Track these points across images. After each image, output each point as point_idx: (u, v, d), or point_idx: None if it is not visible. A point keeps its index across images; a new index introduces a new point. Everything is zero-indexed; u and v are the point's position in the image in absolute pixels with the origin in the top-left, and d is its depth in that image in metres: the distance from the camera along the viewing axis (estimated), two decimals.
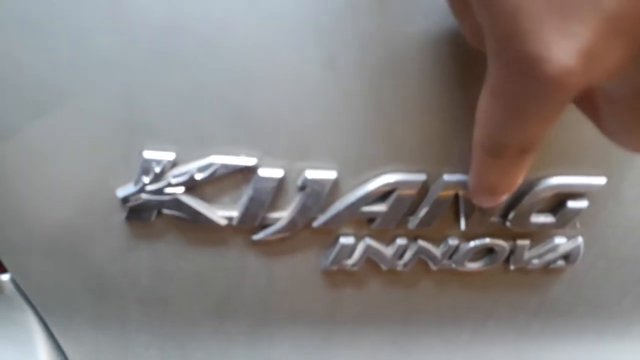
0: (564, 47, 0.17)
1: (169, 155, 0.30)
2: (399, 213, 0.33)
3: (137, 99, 0.29)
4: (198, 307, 0.38)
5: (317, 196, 0.32)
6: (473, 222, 0.35)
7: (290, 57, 0.28)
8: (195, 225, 0.33)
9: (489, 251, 0.38)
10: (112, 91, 0.29)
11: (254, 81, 0.29)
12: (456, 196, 0.33)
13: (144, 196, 0.31)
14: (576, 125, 0.32)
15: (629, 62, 0.18)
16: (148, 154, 0.30)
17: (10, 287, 0.36)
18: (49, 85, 0.28)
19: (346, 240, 0.35)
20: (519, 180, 0.26)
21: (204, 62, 0.28)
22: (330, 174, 0.31)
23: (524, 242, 0.37)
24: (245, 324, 0.40)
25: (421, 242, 0.36)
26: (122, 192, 0.31)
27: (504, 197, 0.28)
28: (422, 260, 0.37)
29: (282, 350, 0.41)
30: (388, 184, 0.32)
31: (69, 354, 0.39)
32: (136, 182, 0.30)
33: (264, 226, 0.34)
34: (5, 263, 0.35)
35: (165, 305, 0.38)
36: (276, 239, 0.34)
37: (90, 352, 0.39)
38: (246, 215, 0.32)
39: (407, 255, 0.36)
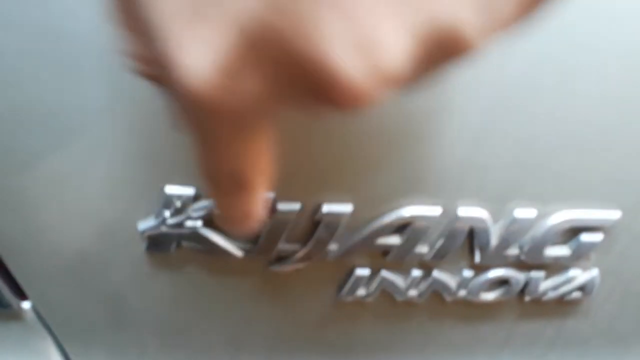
0: (194, 52, 0.15)
1: (190, 190, 0.30)
2: (413, 245, 0.34)
3: (160, 134, 0.30)
4: (215, 337, 0.38)
5: (333, 229, 0.32)
6: (488, 255, 0.35)
7: None
8: (213, 257, 0.33)
9: (503, 282, 0.38)
10: (135, 125, 0.30)
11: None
12: (471, 229, 0.34)
13: (164, 229, 0.31)
14: (590, 157, 0.33)
15: (270, 93, 0.15)
16: (170, 189, 0.30)
17: (31, 315, 0.37)
18: (73, 118, 0.29)
19: (362, 271, 0.35)
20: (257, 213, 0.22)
21: None
22: (346, 207, 0.32)
23: (539, 274, 0.37)
24: (261, 354, 0.40)
25: (436, 274, 0.36)
26: (143, 225, 0.31)
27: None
28: (436, 291, 0.37)
29: None
30: (403, 217, 0.33)
31: None
32: (157, 216, 0.31)
33: (280, 258, 0.34)
34: (27, 290, 0.35)
35: (182, 335, 0.38)
36: (292, 270, 0.34)
37: None
38: (263, 247, 0.33)
39: (422, 287, 0.37)
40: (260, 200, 0.22)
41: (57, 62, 0.28)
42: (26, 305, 0.36)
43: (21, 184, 0.31)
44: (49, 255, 0.34)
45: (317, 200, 0.32)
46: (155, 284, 0.35)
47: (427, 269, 0.36)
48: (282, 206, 0.31)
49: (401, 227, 0.33)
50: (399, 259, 0.34)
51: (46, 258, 0.34)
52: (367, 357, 0.42)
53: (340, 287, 0.36)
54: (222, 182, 0.20)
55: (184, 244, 0.32)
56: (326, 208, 0.32)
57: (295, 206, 0.32)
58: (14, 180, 0.31)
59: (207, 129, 0.18)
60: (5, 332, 0.38)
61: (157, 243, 0.32)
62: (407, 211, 0.32)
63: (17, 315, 0.37)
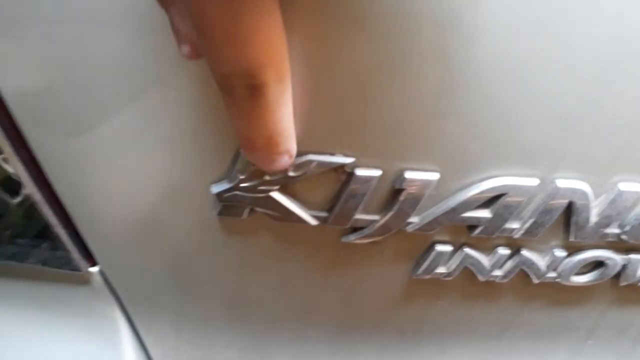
0: None
1: None
2: (503, 221, 0.31)
3: None
4: (281, 309, 0.37)
5: (416, 199, 0.30)
6: (584, 233, 0.32)
7: (393, 49, 0.27)
8: (285, 225, 0.32)
9: (598, 265, 0.34)
10: (210, 84, 0.28)
11: (350, 75, 0.27)
12: (569, 203, 0.30)
13: (238, 193, 0.30)
14: None
15: None
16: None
17: (98, 280, 0.36)
18: (144, 76, 0.28)
19: (442, 247, 0.33)
20: (274, 129, 0.24)
21: None
22: (432, 176, 0.29)
23: (638, 257, 0.34)
24: (328, 330, 0.38)
25: (525, 253, 0.33)
26: (216, 188, 0.30)
27: (278, 156, 0.25)
28: (523, 272, 0.34)
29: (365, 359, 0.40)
30: (494, 189, 0.30)
31: (150, 349, 0.39)
32: (231, 179, 0.30)
33: (355, 228, 0.32)
34: (96, 255, 0.35)
35: (248, 306, 0.37)
36: (367, 242, 0.32)
37: (172, 349, 0.39)
38: (338, 216, 0.31)
39: (508, 266, 0.33)
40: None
41: (124, 19, 0.26)
42: (94, 269, 0.36)
43: (92, 148, 0.30)
44: (119, 219, 0.33)
45: (399, 167, 0.29)
46: (224, 251, 0.34)
47: (515, 247, 0.33)
48: (361, 172, 0.29)
49: (491, 200, 0.30)
50: (486, 235, 0.31)
51: (116, 223, 0.33)
52: (437, 340, 0.39)
53: (417, 264, 0.34)
54: (235, 79, 0.22)
55: (258, 209, 0.31)
56: (409, 175, 0.29)
57: (376, 172, 0.29)
58: (85, 143, 0.30)
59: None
60: (72, 296, 0.38)
61: (229, 207, 0.31)
62: (500, 182, 0.29)
63: (85, 280, 0.36)
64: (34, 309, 0.39)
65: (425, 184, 0.29)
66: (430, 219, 0.31)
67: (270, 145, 0.25)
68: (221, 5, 0.19)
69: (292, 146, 0.26)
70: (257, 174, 0.29)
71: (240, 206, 0.31)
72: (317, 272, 0.34)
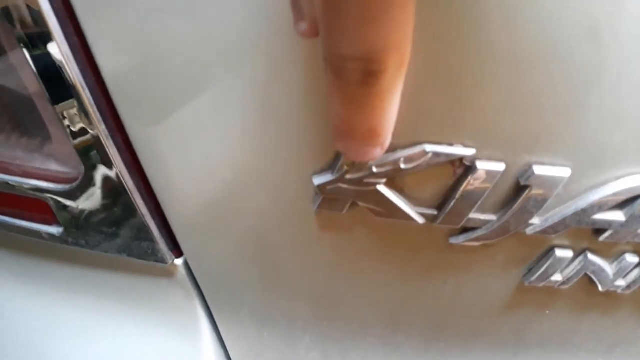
0: None
1: None
2: (638, 225, 0.27)
3: None
4: (371, 312, 0.35)
5: (543, 198, 0.27)
6: None
7: (525, 31, 0.24)
8: (387, 222, 0.29)
9: None
10: (314, 70, 0.26)
11: (474, 55, 0.24)
12: None
13: (341, 186, 0.28)
14: None
15: None
16: None
17: (182, 273, 0.35)
18: (253, 62, 0.26)
19: (563, 252, 0.29)
20: (379, 120, 0.21)
21: None
22: (563, 172, 0.26)
23: None
24: (419, 338, 0.35)
25: None
26: (318, 179, 0.28)
27: (372, 148, 0.22)
28: None
29: None
30: (633, 189, 0.26)
31: (230, 347, 0.38)
32: (335, 171, 0.27)
33: (465, 229, 0.29)
34: (183, 247, 0.34)
35: (336, 307, 0.35)
36: (477, 244, 0.29)
37: (252, 348, 0.38)
38: (450, 215, 0.28)
39: (633, 276, 0.30)
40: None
41: None
42: (179, 261, 0.35)
43: (189, 133, 0.28)
44: (210, 209, 0.31)
45: (526, 161, 0.26)
46: (318, 247, 0.31)
47: None
48: (482, 165, 0.26)
49: (627, 201, 0.27)
50: (615, 241, 0.28)
51: (207, 212, 0.32)
52: (537, 353, 0.36)
53: (531, 270, 0.31)
54: (352, 63, 0.19)
55: (361, 203, 0.28)
56: (538, 170, 0.26)
57: (499, 167, 0.26)
58: (182, 129, 0.28)
59: None
60: (154, 289, 0.37)
61: (330, 201, 0.29)
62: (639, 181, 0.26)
63: (169, 272, 0.35)
64: (115, 300, 0.38)
65: (555, 180, 0.26)
66: (555, 220, 0.28)
67: (370, 137, 0.22)
68: None
69: (389, 138, 0.23)
70: (364, 166, 0.27)
71: (342, 200, 0.29)
72: (416, 275, 0.32)
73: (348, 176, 0.27)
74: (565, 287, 0.31)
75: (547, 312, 0.33)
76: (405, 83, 0.25)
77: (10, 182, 0.33)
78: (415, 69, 0.24)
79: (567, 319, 0.33)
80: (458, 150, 0.26)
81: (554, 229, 0.28)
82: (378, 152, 0.23)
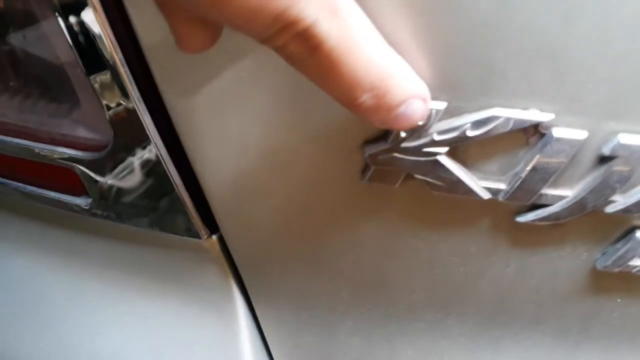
0: None
1: (439, 105, 0.23)
2: None
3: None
4: (421, 297, 0.32)
5: (629, 172, 0.23)
6: None
7: None
8: (446, 197, 0.26)
9: None
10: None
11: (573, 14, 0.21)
12: None
13: (396, 155, 0.25)
14: None
15: None
16: None
17: (217, 249, 0.33)
18: None
19: None
20: (367, 73, 0.18)
21: None
22: None
23: None
24: (472, 324, 0.33)
25: None
26: (371, 148, 0.25)
27: (399, 107, 0.19)
28: None
29: None
30: None
31: (266, 330, 0.36)
32: (390, 137, 0.24)
33: (535, 206, 0.26)
34: (219, 222, 0.31)
35: (383, 288, 0.32)
36: (547, 224, 0.26)
37: (289, 330, 0.36)
38: (520, 190, 0.25)
39: None
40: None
41: None
42: (214, 237, 0.33)
43: (228, 99, 0.26)
44: (249, 180, 0.29)
45: (611, 129, 0.23)
46: (366, 223, 0.29)
47: None
48: (561, 133, 0.23)
49: None
50: None
51: (246, 183, 0.29)
52: (603, 344, 0.33)
53: (606, 253, 0.27)
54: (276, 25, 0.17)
55: (417, 176, 0.25)
56: (625, 139, 0.23)
57: (580, 135, 0.23)
58: (221, 96, 0.26)
59: None
60: (188, 265, 0.35)
61: (383, 172, 0.26)
62: None
63: (203, 248, 0.33)
64: (146, 276, 0.36)
65: None
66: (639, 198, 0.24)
67: (381, 97, 0.19)
68: None
69: (415, 84, 0.20)
70: (423, 132, 0.24)
71: (396, 172, 0.26)
72: (476, 257, 0.29)
73: (404, 144, 0.24)
74: None
75: (619, 300, 0.30)
76: (474, 35, 0.21)
77: (37, 150, 0.31)
78: (486, 19, 0.21)
79: None
80: (534, 116, 0.23)
81: (638, 208, 0.24)
82: (418, 107, 0.20)
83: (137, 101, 0.28)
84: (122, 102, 0.28)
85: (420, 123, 0.23)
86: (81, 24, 0.26)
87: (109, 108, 0.28)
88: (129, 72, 0.27)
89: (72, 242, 0.38)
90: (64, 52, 0.29)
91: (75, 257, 0.38)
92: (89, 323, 0.39)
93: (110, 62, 0.26)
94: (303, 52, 0.17)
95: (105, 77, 0.27)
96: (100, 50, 0.26)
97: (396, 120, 0.19)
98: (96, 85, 0.27)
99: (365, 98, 0.18)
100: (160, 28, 0.24)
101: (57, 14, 0.26)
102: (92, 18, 0.25)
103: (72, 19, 0.26)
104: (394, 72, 0.19)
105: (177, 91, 0.27)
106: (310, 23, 0.16)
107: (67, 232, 0.37)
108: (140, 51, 0.26)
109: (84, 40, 0.26)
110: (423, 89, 0.20)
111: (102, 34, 0.26)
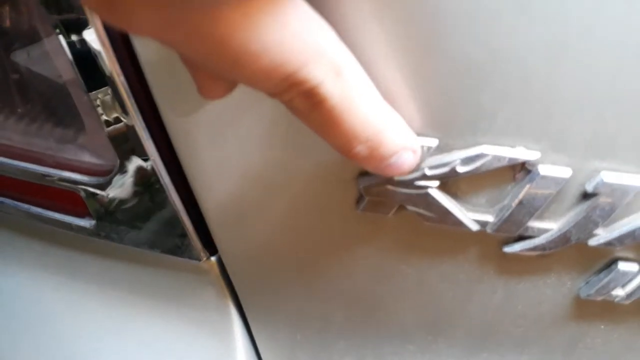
0: None
1: (431, 141, 0.24)
2: None
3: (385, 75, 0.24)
4: (411, 320, 0.33)
5: (610, 207, 0.24)
6: None
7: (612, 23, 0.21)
8: (436, 228, 0.27)
9: None
10: None
11: (538, 43, 0.22)
12: None
13: (389, 188, 0.26)
14: None
15: None
16: None
17: (215, 271, 0.34)
18: None
19: (626, 266, 0.27)
20: (364, 127, 0.19)
21: None
22: (635, 180, 0.24)
23: None
24: (461, 347, 0.34)
25: None
26: (366, 180, 0.26)
27: (391, 158, 0.21)
28: None
29: None
30: None
31: (261, 349, 0.37)
32: None
33: (521, 237, 0.27)
34: (217, 244, 0.32)
35: (375, 311, 0.33)
36: (533, 255, 0.27)
37: (284, 351, 0.36)
38: (507, 222, 0.26)
39: None
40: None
41: None
42: (213, 259, 0.34)
43: (227, 129, 0.27)
44: (248, 206, 0.30)
45: (594, 166, 0.24)
46: (359, 250, 0.30)
47: None
48: (546, 171, 0.24)
49: None
50: None
51: (244, 210, 0.30)
52: None
53: (589, 283, 0.28)
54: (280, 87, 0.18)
55: (409, 207, 0.27)
56: (607, 177, 0.24)
57: (565, 172, 0.24)
58: (220, 123, 0.27)
59: None
60: (186, 286, 0.36)
61: (376, 203, 0.27)
62: None
63: (202, 270, 0.34)
64: (146, 296, 0.37)
65: (625, 189, 0.24)
66: (622, 232, 0.25)
67: (374, 149, 0.20)
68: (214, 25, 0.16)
69: (406, 138, 0.22)
70: (416, 167, 0.25)
71: (389, 203, 0.27)
72: (464, 283, 0.30)
73: (398, 178, 0.26)
74: (627, 302, 0.28)
75: (603, 327, 0.31)
76: (465, 79, 0.23)
77: (43, 173, 0.32)
78: (476, 65, 0.22)
79: (624, 336, 0.31)
80: (520, 154, 0.24)
81: (619, 241, 0.26)
82: (408, 159, 0.22)
83: (138, 122, 0.29)
84: (122, 121, 0.29)
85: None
86: (82, 42, 0.27)
87: (108, 127, 0.29)
88: (129, 92, 0.28)
89: (74, 261, 0.39)
90: (66, 71, 0.30)
91: (76, 276, 0.39)
92: (90, 341, 0.40)
93: (110, 81, 0.27)
94: (307, 107, 0.18)
95: (105, 96, 0.28)
96: (100, 68, 0.27)
97: (387, 169, 0.21)
98: (97, 106, 0.28)
99: (360, 149, 0.20)
100: (160, 47, 0.25)
101: (58, 31, 0.27)
102: (92, 37, 0.26)
103: (73, 37, 0.27)
104: (388, 127, 0.20)
105: (177, 113, 0.28)
106: (316, 84, 0.18)
107: (69, 252, 0.38)
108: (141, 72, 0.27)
109: (84, 58, 0.27)
110: (413, 141, 0.22)
111: (102, 52, 0.26)
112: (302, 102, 0.18)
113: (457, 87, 0.23)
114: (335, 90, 0.18)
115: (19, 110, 0.33)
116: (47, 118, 0.33)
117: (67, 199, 0.33)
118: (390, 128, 0.20)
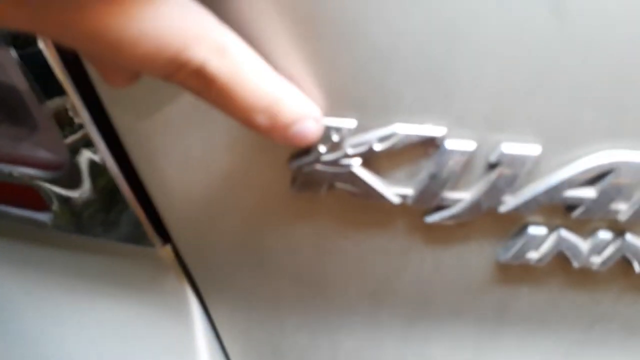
0: None
1: (350, 123, 0.27)
2: (609, 201, 0.28)
3: (324, 58, 0.27)
4: (354, 291, 0.35)
5: (513, 176, 0.27)
6: None
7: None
8: (364, 203, 0.30)
9: None
10: (297, 47, 0.26)
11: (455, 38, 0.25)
12: None
13: (318, 167, 0.28)
14: None
15: None
16: (327, 121, 0.27)
17: (171, 257, 0.36)
18: None
19: (536, 230, 0.30)
20: (259, 99, 0.21)
21: None
22: (533, 150, 0.27)
23: None
24: (402, 315, 0.36)
25: (630, 237, 0.30)
26: (297, 162, 0.29)
27: (294, 126, 0.23)
28: (625, 259, 0.31)
29: (438, 349, 0.38)
30: (603, 165, 0.27)
31: (220, 329, 0.39)
32: (311, 152, 0.28)
33: (440, 207, 0.30)
34: (170, 231, 0.35)
35: (320, 286, 0.36)
36: (452, 223, 0.30)
37: (242, 329, 0.39)
38: (423, 194, 0.29)
39: (608, 252, 0.30)
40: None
41: None
42: (167, 246, 0.36)
43: (169, 118, 0.29)
44: (194, 194, 0.32)
45: (495, 139, 0.27)
46: (299, 228, 0.32)
47: (618, 231, 0.30)
48: (452, 145, 0.27)
49: (597, 178, 0.27)
50: (588, 217, 0.28)
51: (191, 197, 0.32)
52: (518, 330, 0.37)
53: (506, 248, 0.31)
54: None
55: (337, 184, 0.29)
56: (507, 148, 0.27)
57: (469, 146, 0.27)
58: (163, 113, 0.29)
59: None
60: (143, 273, 0.38)
61: (308, 182, 0.29)
62: (610, 157, 0.26)
63: (157, 256, 0.36)
64: (108, 285, 0.39)
65: (524, 158, 0.27)
66: (526, 198, 0.28)
67: (273, 117, 0.22)
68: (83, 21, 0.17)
69: (305, 106, 0.23)
70: (338, 147, 0.28)
71: (320, 181, 0.30)
72: (395, 254, 0.32)
73: (324, 158, 0.28)
74: (541, 264, 0.31)
75: (526, 289, 0.34)
76: (370, 63, 0.25)
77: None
78: (380, 49, 0.25)
79: (545, 296, 0.34)
80: (428, 130, 0.27)
81: (526, 207, 0.29)
82: (310, 126, 0.23)
83: (88, 123, 0.31)
84: (75, 124, 0.31)
85: (335, 139, 0.27)
86: (34, 53, 0.29)
87: (63, 130, 0.31)
88: (81, 99, 0.30)
89: (34, 254, 0.40)
90: (19, 80, 0.32)
91: (38, 268, 0.41)
92: (57, 332, 0.42)
93: (62, 89, 0.30)
94: (200, 86, 0.20)
95: (58, 102, 0.30)
96: (52, 76, 0.29)
97: (293, 139, 0.23)
98: (50, 111, 0.31)
99: (261, 120, 0.22)
100: None
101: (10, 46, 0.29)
102: (42, 47, 0.29)
103: (24, 50, 0.29)
104: (283, 97, 0.22)
105: (126, 114, 0.30)
106: (200, 64, 0.19)
107: (29, 245, 0.40)
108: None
109: (36, 68, 0.29)
110: (313, 110, 0.24)
111: (51, 61, 0.29)
112: (194, 82, 0.20)
113: (365, 72, 0.25)
114: (222, 68, 0.20)
115: None
116: (2, 120, 0.35)
117: (25, 195, 0.35)
118: (287, 97, 0.22)
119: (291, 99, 0.23)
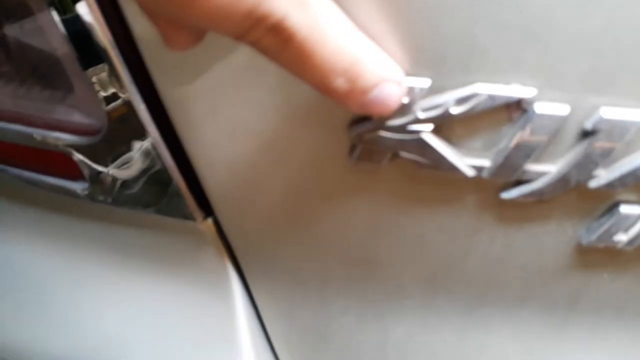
0: None
1: (424, 82, 0.23)
2: None
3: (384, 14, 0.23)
4: (410, 274, 0.32)
5: (610, 146, 0.24)
6: None
7: None
8: (431, 175, 0.27)
9: None
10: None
11: None
12: None
13: (382, 134, 0.25)
14: None
15: None
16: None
17: (212, 231, 0.34)
18: None
19: (629, 209, 0.26)
20: (340, 59, 0.19)
21: None
22: (635, 115, 0.23)
23: None
24: (461, 302, 0.33)
25: None
26: (358, 128, 0.25)
27: (375, 90, 0.20)
28: None
29: (500, 339, 0.34)
30: None
31: (261, 307, 0.37)
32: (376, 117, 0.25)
33: (519, 182, 0.26)
34: (213, 204, 0.32)
35: (372, 267, 0.33)
36: (532, 200, 0.27)
37: (284, 310, 0.36)
38: (503, 166, 0.25)
39: None
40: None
41: None
42: (209, 219, 0.33)
43: (218, 82, 0.26)
44: (241, 163, 0.29)
45: (592, 103, 0.23)
46: (354, 203, 0.29)
47: None
48: (543, 109, 0.23)
49: None
50: None
51: (238, 167, 0.30)
52: (591, 320, 0.33)
53: (591, 228, 0.28)
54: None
55: (403, 154, 0.26)
56: (606, 113, 0.23)
57: (562, 110, 0.23)
58: (211, 78, 0.26)
59: None
60: (184, 247, 0.36)
61: (368, 151, 0.26)
62: None
63: (198, 230, 0.34)
64: (144, 259, 0.37)
65: (626, 126, 0.23)
66: (624, 171, 0.24)
67: (354, 80, 0.19)
68: None
69: (387, 68, 0.21)
70: (408, 110, 0.24)
71: (382, 151, 0.26)
72: (462, 234, 0.29)
73: (389, 123, 0.25)
74: (630, 248, 0.28)
75: (606, 275, 0.30)
76: (456, 12, 0.22)
77: (33, 135, 0.32)
78: None
79: (629, 284, 0.30)
80: (516, 91, 0.23)
81: (621, 182, 0.25)
82: (393, 91, 0.21)
83: (130, 89, 0.28)
84: (116, 90, 0.28)
85: (404, 100, 0.24)
86: (75, 17, 0.26)
87: (104, 96, 0.29)
88: (123, 62, 0.27)
89: (71, 227, 0.38)
90: (59, 45, 0.30)
91: (75, 242, 0.39)
92: (89, 306, 0.40)
93: (104, 55, 0.27)
94: (276, 45, 0.18)
95: (100, 68, 0.28)
96: (95, 42, 0.27)
97: (372, 105, 0.20)
98: (91, 75, 0.28)
99: (339, 83, 0.19)
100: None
101: (51, 7, 0.26)
102: (86, 10, 0.26)
103: (67, 14, 0.26)
104: (365, 57, 0.19)
105: (171, 79, 0.28)
106: (280, 17, 0.17)
107: (66, 217, 0.38)
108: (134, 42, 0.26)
109: (78, 33, 0.27)
110: (396, 73, 0.21)
111: (96, 26, 0.26)
112: (271, 40, 0.18)
113: (447, 22, 0.22)
114: (302, 22, 0.17)
115: (8, 72, 0.33)
116: (36, 82, 0.33)
117: (59, 162, 0.32)
118: (369, 57, 0.19)
119: (373, 59, 0.20)
